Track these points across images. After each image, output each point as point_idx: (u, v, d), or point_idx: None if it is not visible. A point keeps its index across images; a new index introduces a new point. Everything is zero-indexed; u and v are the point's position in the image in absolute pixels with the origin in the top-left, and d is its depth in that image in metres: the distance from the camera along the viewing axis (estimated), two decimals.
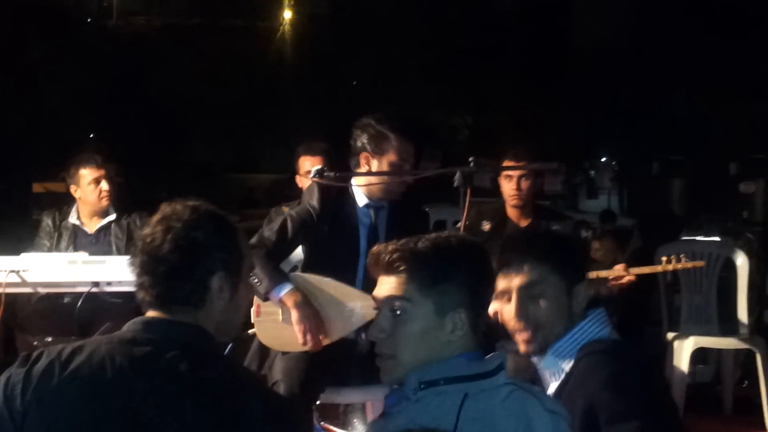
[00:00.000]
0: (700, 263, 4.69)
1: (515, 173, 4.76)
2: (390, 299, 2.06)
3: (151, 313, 2.07)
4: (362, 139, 3.74)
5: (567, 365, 2.33)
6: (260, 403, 1.96)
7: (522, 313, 2.36)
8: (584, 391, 2.17)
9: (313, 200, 3.76)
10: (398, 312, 2.04)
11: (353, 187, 3.82)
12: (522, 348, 2.40)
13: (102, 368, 1.93)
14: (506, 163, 4.77)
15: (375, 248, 2.14)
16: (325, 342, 3.51)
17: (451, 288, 2.03)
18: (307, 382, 3.41)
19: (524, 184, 4.78)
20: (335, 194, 3.79)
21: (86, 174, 4.87)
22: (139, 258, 2.07)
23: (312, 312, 3.49)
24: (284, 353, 3.58)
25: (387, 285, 2.08)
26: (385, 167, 3.72)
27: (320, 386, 3.50)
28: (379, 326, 2.06)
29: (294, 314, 3.47)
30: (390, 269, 2.07)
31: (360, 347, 3.65)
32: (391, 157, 3.72)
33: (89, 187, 4.86)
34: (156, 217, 2.10)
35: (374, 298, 2.10)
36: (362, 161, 3.74)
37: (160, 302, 2.05)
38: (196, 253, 2.06)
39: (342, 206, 3.78)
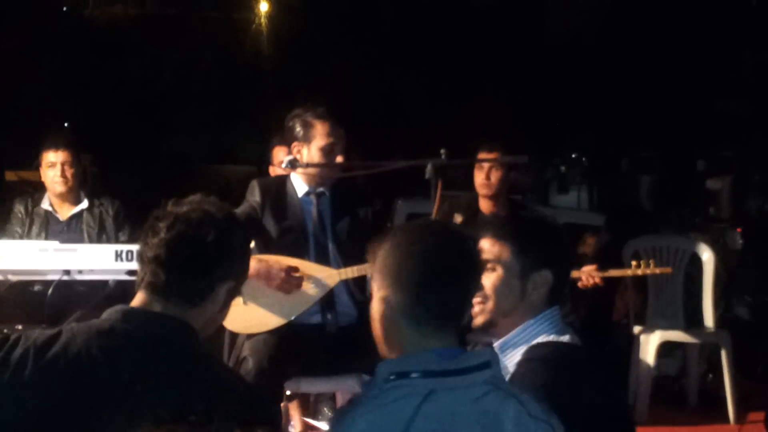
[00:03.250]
0: (668, 269, 4.80)
1: (486, 164, 4.84)
2: None
3: (138, 299, 2.02)
4: (293, 131, 3.84)
5: (511, 364, 2.33)
6: (245, 400, 1.94)
7: None
8: None
9: (255, 196, 3.86)
10: None
11: (292, 178, 3.91)
12: (474, 321, 2.39)
13: (78, 360, 1.88)
14: (480, 155, 4.84)
15: None
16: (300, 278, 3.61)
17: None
18: (275, 357, 3.45)
19: (494, 175, 4.86)
20: (275, 187, 3.89)
21: (47, 157, 4.86)
22: (166, 233, 1.98)
23: (271, 266, 3.56)
24: (250, 335, 3.63)
25: None
26: (315, 152, 3.80)
27: (288, 364, 3.54)
28: None
29: (258, 281, 3.52)
30: None
31: (328, 329, 3.69)
32: (319, 142, 3.81)
33: (48, 171, 4.85)
34: (191, 204, 2.03)
35: None
36: (294, 150, 3.84)
37: (164, 288, 1.98)
38: (226, 254, 2.01)
39: (284, 197, 3.87)
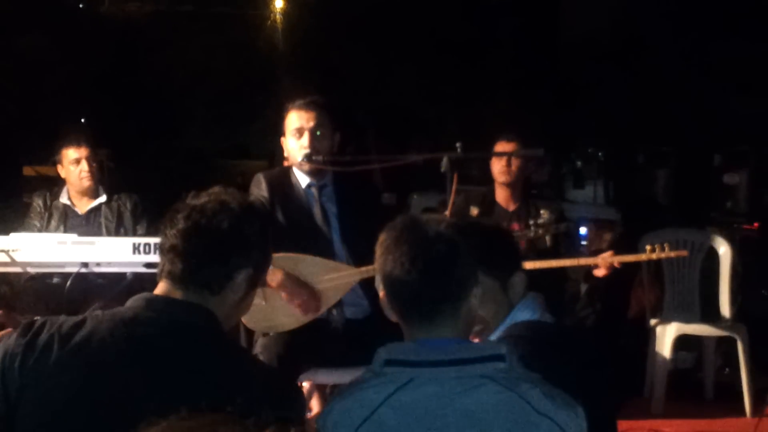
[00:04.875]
0: (683, 252, 4.75)
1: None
2: None
3: (161, 288, 2.04)
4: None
5: None
6: (269, 387, 1.94)
7: None
8: None
9: (262, 190, 3.86)
10: None
11: (294, 170, 3.90)
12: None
13: (102, 348, 1.89)
14: (497, 146, 4.84)
15: None
16: (322, 309, 3.57)
17: None
18: (285, 355, 3.46)
19: (514, 163, 4.87)
20: (281, 180, 3.89)
21: (68, 154, 4.91)
22: (183, 223, 2.02)
23: (299, 284, 3.54)
24: (265, 333, 3.64)
25: None
26: (289, 141, 3.85)
27: (299, 361, 3.55)
28: None
29: (283, 293, 3.52)
30: None
31: (334, 324, 3.70)
32: (289, 129, 3.84)
33: (71, 167, 4.90)
34: (210, 195, 2.06)
35: None
36: (282, 145, 3.89)
37: (183, 276, 2.00)
38: (241, 243, 2.03)
39: (289, 191, 3.86)
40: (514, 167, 4.88)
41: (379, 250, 2.03)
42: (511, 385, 1.86)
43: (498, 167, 4.91)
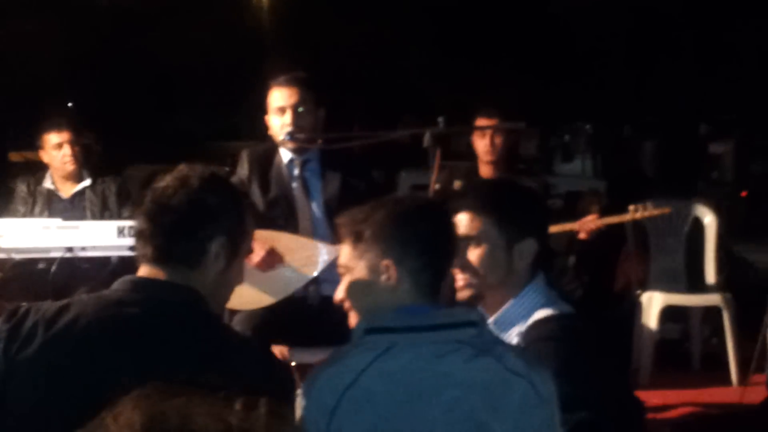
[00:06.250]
0: (666, 209, 4.77)
1: (487, 130, 4.83)
2: None
3: (143, 270, 2.06)
4: None
5: (510, 341, 2.31)
6: (258, 365, 1.95)
7: (458, 259, 2.34)
8: None
9: (243, 168, 3.87)
10: None
11: (280, 147, 3.88)
12: (458, 294, 2.40)
13: (88, 331, 1.90)
14: (478, 121, 4.83)
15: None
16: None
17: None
18: (260, 328, 3.47)
19: (497, 139, 4.86)
20: (264, 156, 3.87)
21: (50, 138, 4.91)
22: (147, 206, 2.06)
23: (256, 245, 3.49)
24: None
25: None
26: (272, 119, 3.82)
27: (275, 336, 3.55)
28: None
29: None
30: None
31: (311, 301, 3.70)
32: (272, 107, 3.82)
33: (53, 152, 4.90)
34: (174, 173, 2.09)
35: None
36: (267, 123, 3.86)
37: (157, 256, 2.03)
38: (205, 214, 2.05)
39: (269, 166, 3.84)
40: (498, 143, 4.88)
41: (388, 224, 2.05)
42: (485, 348, 1.91)
43: (481, 145, 4.89)
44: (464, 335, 1.92)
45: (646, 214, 4.50)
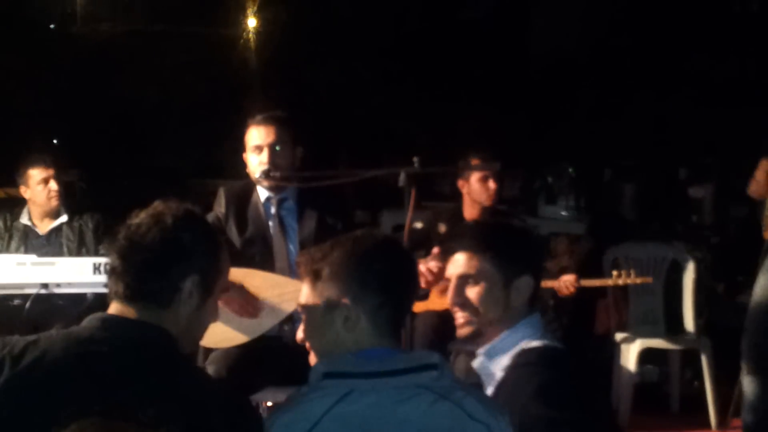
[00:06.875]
0: (648, 279, 4.82)
1: (481, 173, 4.83)
2: None
3: (114, 308, 2.04)
4: None
5: (498, 370, 2.35)
6: (221, 408, 1.94)
7: (458, 297, 2.41)
8: (515, 406, 2.14)
9: (221, 206, 3.86)
10: None
11: (257, 185, 3.87)
12: (459, 331, 2.43)
13: (55, 367, 1.89)
14: (474, 162, 4.85)
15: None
16: (264, 319, 3.54)
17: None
18: (234, 367, 3.44)
19: (495, 183, 4.89)
20: (241, 194, 3.86)
21: (35, 174, 4.90)
22: (119, 243, 2.04)
23: (236, 291, 3.49)
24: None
25: None
26: (250, 157, 3.81)
27: (250, 376, 3.52)
28: None
29: (220, 301, 3.48)
30: None
31: (285, 340, 3.65)
32: (249, 145, 3.81)
33: (38, 187, 4.89)
34: (149, 211, 2.08)
35: None
36: (245, 161, 3.86)
37: (129, 294, 2.02)
38: (178, 252, 2.04)
39: (247, 205, 3.84)
40: (495, 188, 4.90)
41: (346, 262, 2.05)
42: (445, 393, 1.92)
43: (480, 191, 4.89)
44: (424, 379, 1.92)
45: (629, 281, 4.56)
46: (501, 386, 2.31)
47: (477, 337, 2.42)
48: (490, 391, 2.35)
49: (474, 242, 2.44)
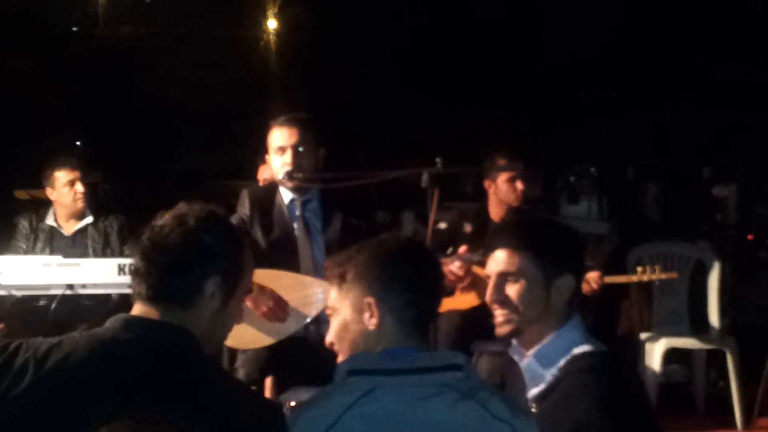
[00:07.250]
0: (673, 274, 4.77)
1: (508, 174, 4.82)
2: None
3: (137, 309, 2.05)
4: None
5: (549, 373, 2.33)
6: (244, 410, 1.94)
7: (497, 294, 2.39)
8: (572, 412, 2.14)
9: (245, 208, 3.86)
10: None
11: (280, 187, 3.89)
12: (498, 330, 2.41)
13: (78, 370, 1.89)
14: (500, 162, 4.84)
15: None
16: (291, 322, 3.55)
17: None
18: (265, 368, 3.44)
19: (522, 185, 4.89)
20: (265, 196, 3.88)
21: (61, 176, 4.93)
22: (143, 244, 2.06)
23: (262, 291, 3.51)
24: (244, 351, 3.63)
25: None
26: (273, 159, 3.82)
27: (280, 377, 3.52)
28: None
29: (249, 304, 3.50)
30: None
31: (311, 341, 3.66)
32: (272, 147, 3.82)
33: (64, 189, 4.92)
34: (172, 212, 2.09)
35: None
36: (268, 163, 3.89)
37: (151, 295, 2.03)
38: (200, 253, 2.05)
39: (271, 207, 3.85)
40: (523, 188, 4.90)
41: (371, 263, 2.07)
42: (469, 392, 1.92)
43: (509, 191, 4.89)
44: (449, 379, 1.93)
45: (654, 277, 4.51)
46: (552, 387, 2.29)
47: (516, 336, 2.40)
48: (535, 391, 2.34)
49: (515, 240, 2.42)
